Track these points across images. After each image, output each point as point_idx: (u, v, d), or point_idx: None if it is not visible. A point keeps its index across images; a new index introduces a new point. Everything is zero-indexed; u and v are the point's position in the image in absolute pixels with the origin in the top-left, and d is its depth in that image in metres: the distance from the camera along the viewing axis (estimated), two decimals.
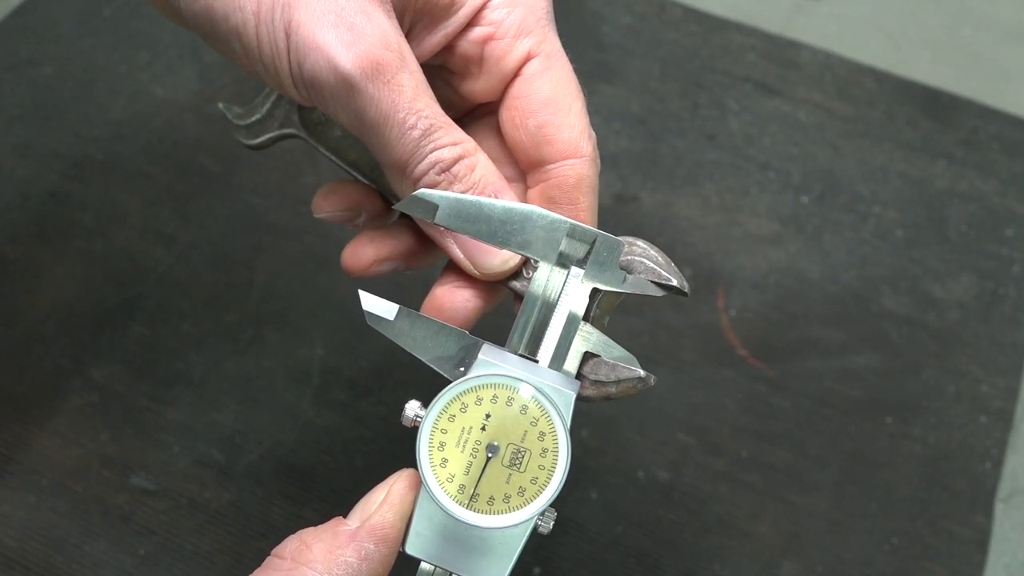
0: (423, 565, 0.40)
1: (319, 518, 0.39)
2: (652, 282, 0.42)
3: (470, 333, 0.42)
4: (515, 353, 0.42)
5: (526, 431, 0.40)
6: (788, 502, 0.66)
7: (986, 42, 0.94)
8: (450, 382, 0.41)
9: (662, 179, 0.81)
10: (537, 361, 0.42)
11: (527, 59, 0.42)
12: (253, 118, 0.50)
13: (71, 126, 0.80)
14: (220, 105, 0.50)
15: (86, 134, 0.80)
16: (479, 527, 0.39)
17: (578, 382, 0.42)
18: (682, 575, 0.62)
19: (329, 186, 0.48)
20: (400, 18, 0.41)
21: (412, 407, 0.41)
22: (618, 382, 0.42)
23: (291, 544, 0.38)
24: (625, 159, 0.81)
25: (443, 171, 0.40)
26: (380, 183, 0.48)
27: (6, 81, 0.83)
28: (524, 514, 0.40)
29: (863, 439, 0.69)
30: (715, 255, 0.76)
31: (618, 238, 0.43)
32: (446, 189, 0.41)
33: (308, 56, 0.38)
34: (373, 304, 0.42)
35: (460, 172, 0.41)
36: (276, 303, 0.72)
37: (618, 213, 0.78)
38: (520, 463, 0.40)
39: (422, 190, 0.41)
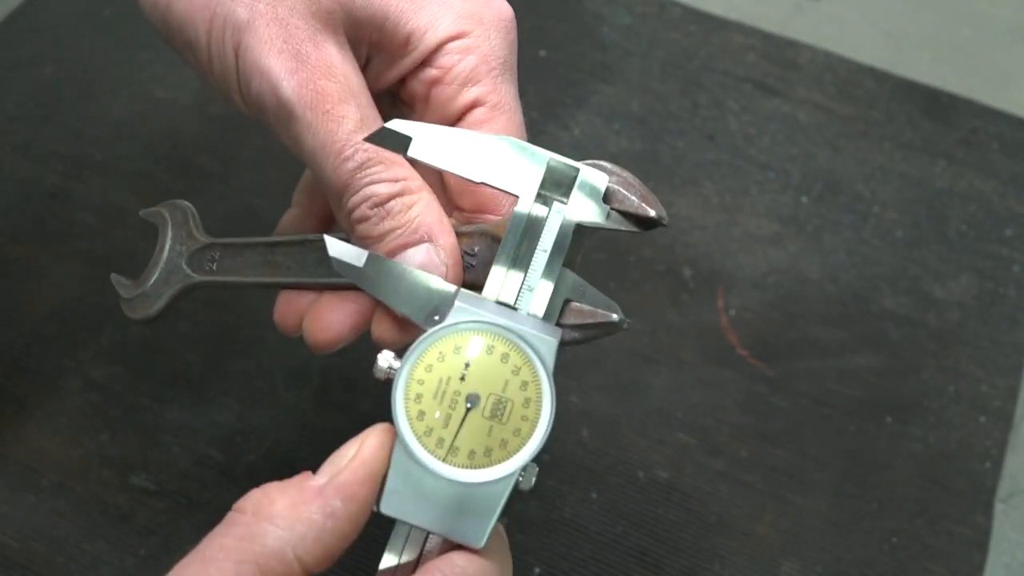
0: (398, 525, 0.37)
1: None
2: (633, 215, 0.39)
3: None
4: (494, 300, 0.39)
5: (507, 380, 0.37)
6: (788, 502, 0.66)
7: (986, 42, 0.94)
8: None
9: (662, 179, 0.81)
10: (516, 308, 0.39)
11: (472, 107, 0.42)
12: (143, 289, 0.48)
13: (71, 126, 0.80)
14: (112, 277, 0.49)
15: (86, 134, 0.80)
16: (458, 482, 0.37)
17: (559, 329, 0.39)
18: (682, 575, 0.62)
19: (287, 302, 0.45)
20: (355, 49, 0.40)
21: (385, 358, 0.38)
22: (593, 325, 0.39)
23: (253, 497, 0.36)
24: (625, 159, 0.81)
25: (376, 206, 0.39)
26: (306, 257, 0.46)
27: (6, 81, 0.83)
28: (506, 468, 0.37)
29: (863, 439, 0.69)
30: (715, 255, 0.76)
31: (594, 165, 0.40)
32: (377, 224, 0.39)
33: (253, 79, 0.38)
34: (340, 250, 0.39)
35: (395, 209, 0.39)
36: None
37: None
38: (502, 415, 0.37)
39: (394, 122, 0.38)
